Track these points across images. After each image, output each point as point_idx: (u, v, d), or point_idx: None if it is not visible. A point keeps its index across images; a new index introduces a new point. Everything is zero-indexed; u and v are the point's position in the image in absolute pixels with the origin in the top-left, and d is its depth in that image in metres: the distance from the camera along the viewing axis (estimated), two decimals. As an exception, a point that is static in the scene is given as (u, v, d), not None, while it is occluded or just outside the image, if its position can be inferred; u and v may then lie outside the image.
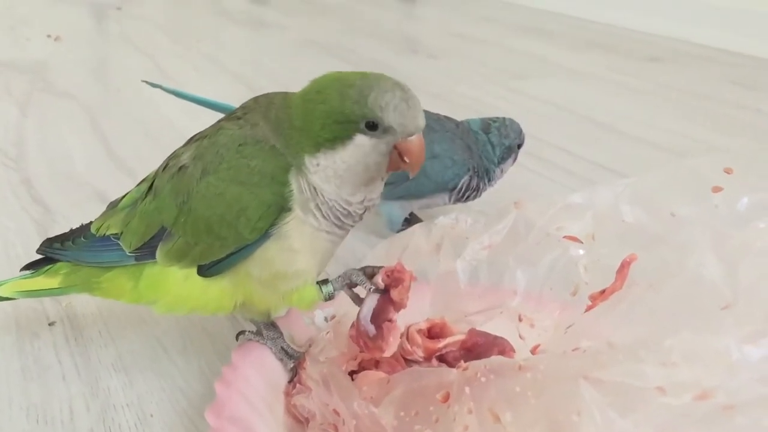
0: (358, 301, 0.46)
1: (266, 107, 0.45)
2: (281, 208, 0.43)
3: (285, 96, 0.46)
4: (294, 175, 0.43)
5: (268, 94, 0.47)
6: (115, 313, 0.58)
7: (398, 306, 0.45)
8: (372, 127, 0.41)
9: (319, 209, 0.44)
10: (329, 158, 0.42)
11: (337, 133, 0.42)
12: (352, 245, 0.55)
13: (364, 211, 0.46)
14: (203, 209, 0.44)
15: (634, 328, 0.40)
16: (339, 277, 0.47)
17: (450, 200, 0.70)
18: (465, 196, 0.70)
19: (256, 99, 0.47)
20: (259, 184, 0.43)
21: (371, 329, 0.44)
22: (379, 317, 0.45)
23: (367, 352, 0.45)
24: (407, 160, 0.42)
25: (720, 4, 1.76)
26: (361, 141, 0.42)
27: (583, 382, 0.32)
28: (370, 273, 0.46)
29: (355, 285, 0.47)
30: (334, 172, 0.43)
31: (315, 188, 0.43)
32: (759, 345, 0.31)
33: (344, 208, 0.44)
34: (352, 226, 0.46)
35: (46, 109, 1.15)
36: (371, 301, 0.45)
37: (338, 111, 0.41)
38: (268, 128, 0.44)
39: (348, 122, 0.41)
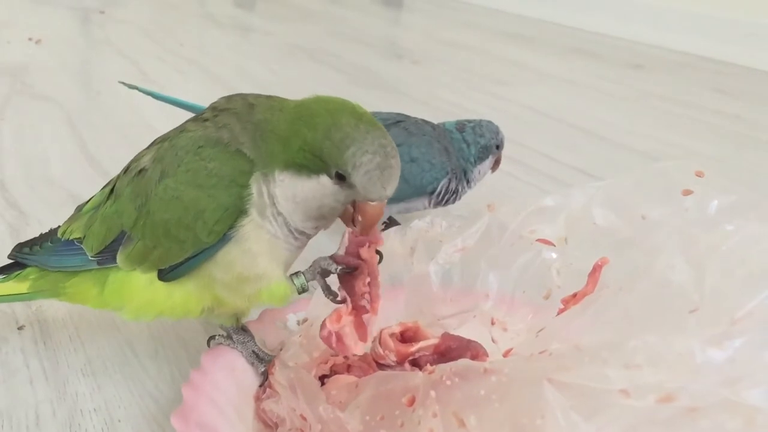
0: (330, 292, 0.46)
1: (247, 109, 0.45)
2: (239, 210, 0.42)
3: (273, 100, 0.45)
4: (257, 178, 0.43)
5: (245, 95, 0.47)
6: (86, 317, 0.57)
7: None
8: (340, 177, 0.41)
9: (275, 218, 0.43)
10: (292, 180, 0.42)
11: (308, 163, 0.41)
12: (325, 247, 0.55)
13: (318, 232, 0.46)
14: (161, 212, 0.43)
15: (603, 332, 0.40)
16: (309, 267, 0.47)
17: (430, 204, 0.70)
18: (444, 200, 0.69)
19: (229, 99, 0.47)
20: (216, 186, 0.42)
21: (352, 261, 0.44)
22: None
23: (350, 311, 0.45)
24: (360, 220, 0.43)
25: (702, 12, 1.78)
26: (325, 182, 0.42)
27: (547, 385, 0.31)
28: (339, 259, 0.45)
29: (328, 273, 0.46)
30: (293, 196, 0.42)
31: (275, 199, 0.43)
32: (723, 348, 0.31)
33: (296, 228, 0.44)
34: (307, 239, 0.46)
35: (25, 112, 1.13)
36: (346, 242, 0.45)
37: (318, 147, 0.41)
38: (241, 130, 0.43)
39: (321, 161, 0.41)
